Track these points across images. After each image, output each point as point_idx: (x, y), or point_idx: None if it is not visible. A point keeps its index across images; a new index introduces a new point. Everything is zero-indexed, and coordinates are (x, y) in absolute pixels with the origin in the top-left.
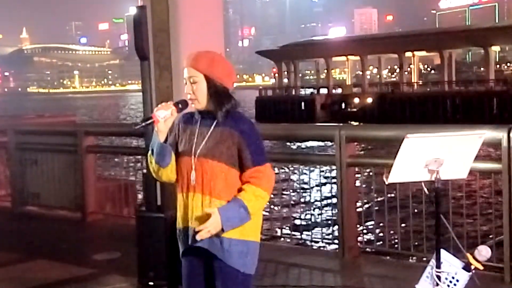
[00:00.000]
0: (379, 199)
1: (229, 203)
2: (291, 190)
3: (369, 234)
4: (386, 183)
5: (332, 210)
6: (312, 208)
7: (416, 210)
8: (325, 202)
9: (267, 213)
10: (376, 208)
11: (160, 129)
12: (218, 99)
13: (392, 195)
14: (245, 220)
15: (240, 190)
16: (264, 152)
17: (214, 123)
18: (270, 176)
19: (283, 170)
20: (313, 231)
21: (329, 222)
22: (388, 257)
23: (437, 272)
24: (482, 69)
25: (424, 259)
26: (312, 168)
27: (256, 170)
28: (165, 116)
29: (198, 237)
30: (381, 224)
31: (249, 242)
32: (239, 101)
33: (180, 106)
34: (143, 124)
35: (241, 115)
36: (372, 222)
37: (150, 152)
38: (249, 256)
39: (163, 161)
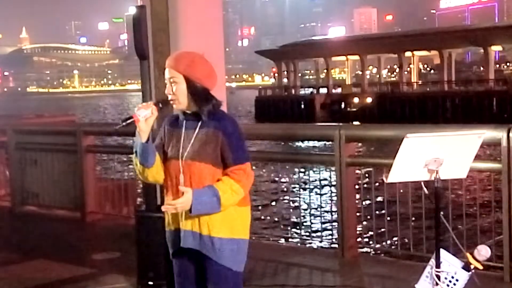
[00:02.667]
0: (379, 198)
1: (205, 189)
2: (290, 190)
3: (369, 233)
4: (386, 182)
5: (331, 209)
6: (311, 208)
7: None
8: (324, 201)
9: (267, 213)
10: (376, 207)
11: (142, 129)
12: (198, 100)
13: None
14: (215, 210)
15: (218, 180)
16: (246, 151)
17: (199, 125)
18: (249, 175)
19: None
20: (312, 230)
21: (329, 221)
22: (387, 257)
23: (436, 271)
24: (481, 69)
25: (424, 259)
26: (311, 168)
27: (237, 167)
28: (145, 116)
29: (163, 208)
30: (380, 224)
31: (239, 240)
32: (220, 101)
33: (160, 105)
34: (124, 123)
35: (224, 114)
36: (372, 222)
37: (134, 153)
38: (239, 254)
39: (147, 161)
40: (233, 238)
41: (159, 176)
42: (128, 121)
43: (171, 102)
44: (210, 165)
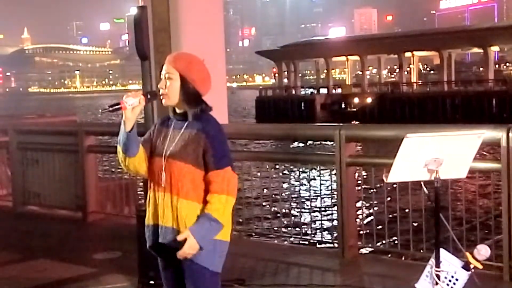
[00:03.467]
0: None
1: (199, 221)
2: (291, 190)
3: (369, 233)
4: (386, 182)
5: (332, 209)
6: (312, 208)
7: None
8: (325, 201)
9: (267, 213)
10: (376, 207)
11: (127, 117)
12: (189, 101)
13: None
14: (220, 230)
15: (206, 198)
16: (227, 156)
17: (185, 125)
18: (230, 179)
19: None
20: (313, 230)
21: (329, 221)
22: (387, 256)
23: (436, 271)
24: (481, 69)
25: (424, 258)
26: (312, 168)
27: (216, 173)
28: (132, 104)
29: (178, 256)
30: (380, 224)
31: (217, 241)
32: (210, 107)
33: (149, 96)
34: (110, 109)
35: (210, 118)
36: (372, 221)
37: (118, 141)
38: (216, 254)
39: (129, 150)
40: (211, 239)
41: (141, 167)
42: (115, 107)
43: (161, 96)
44: (190, 165)
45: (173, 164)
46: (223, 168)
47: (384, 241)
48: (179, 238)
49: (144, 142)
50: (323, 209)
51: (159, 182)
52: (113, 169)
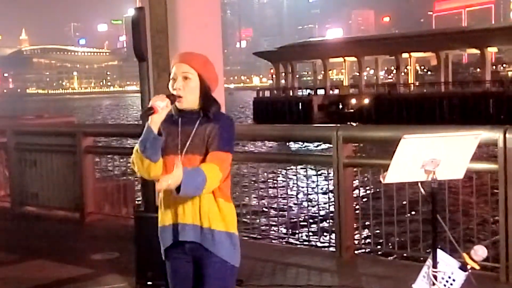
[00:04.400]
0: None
1: (194, 170)
2: (288, 190)
3: (366, 233)
4: (383, 183)
5: (329, 210)
6: (309, 208)
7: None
8: (322, 202)
9: (264, 213)
10: (373, 208)
11: (155, 121)
12: (208, 100)
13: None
14: (197, 193)
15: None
16: (232, 145)
17: (198, 122)
18: (228, 162)
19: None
20: (310, 231)
21: (326, 222)
22: (385, 257)
23: (433, 271)
24: (478, 70)
25: (421, 259)
26: (309, 168)
27: (217, 153)
28: (162, 107)
29: (157, 186)
30: (377, 224)
31: (234, 234)
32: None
33: (171, 99)
34: (146, 115)
35: (223, 114)
36: (369, 222)
37: (138, 147)
38: (236, 248)
39: (156, 155)
40: (229, 232)
41: (160, 170)
42: (150, 112)
43: (179, 98)
44: None
45: (193, 159)
46: (226, 151)
47: (382, 241)
48: (176, 164)
49: None
50: (320, 209)
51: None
52: (111, 170)
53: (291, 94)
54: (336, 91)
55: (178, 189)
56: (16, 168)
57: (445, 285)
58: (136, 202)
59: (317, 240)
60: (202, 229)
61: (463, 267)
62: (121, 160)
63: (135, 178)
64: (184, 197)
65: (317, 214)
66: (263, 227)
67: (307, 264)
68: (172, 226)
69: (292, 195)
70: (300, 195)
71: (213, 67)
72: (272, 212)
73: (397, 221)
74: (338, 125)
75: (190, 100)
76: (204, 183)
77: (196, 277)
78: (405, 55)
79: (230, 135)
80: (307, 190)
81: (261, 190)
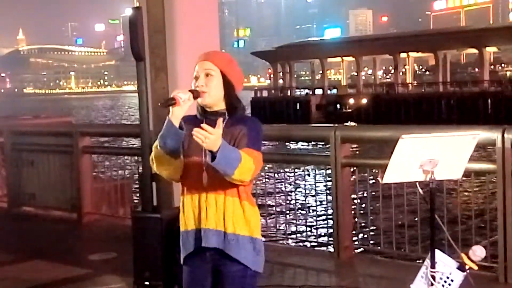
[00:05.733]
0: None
1: (231, 147)
2: (286, 191)
3: (364, 234)
4: (381, 183)
5: (327, 210)
6: (307, 209)
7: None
8: (320, 202)
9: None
10: (371, 208)
11: (177, 114)
12: (232, 99)
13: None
14: (228, 171)
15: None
16: (260, 144)
17: (224, 124)
18: (259, 161)
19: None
20: (308, 231)
21: (324, 222)
22: (383, 257)
23: (431, 272)
24: (476, 70)
25: (419, 259)
26: (307, 168)
27: (248, 150)
28: (185, 99)
29: (194, 134)
30: (375, 224)
31: (258, 240)
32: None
33: (194, 93)
34: (167, 104)
35: (249, 116)
36: (367, 222)
37: (158, 143)
38: (260, 254)
39: (177, 151)
40: (253, 237)
41: (181, 169)
42: (171, 102)
43: (201, 93)
44: None
45: None
46: (255, 149)
47: (380, 242)
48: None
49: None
50: (318, 210)
51: (200, 183)
52: (108, 170)
53: (289, 94)
54: (334, 91)
55: (212, 158)
56: (13, 168)
57: (443, 286)
58: (134, 202)
59: (315, 240)
60: (226, 235)
61: (461, 267)
62: (119, 160)
63: (132, 177)
64: (209, 202)
65: (315, 214)
66: (261, 227)
67: (305, 265)
68: (194, 231)
69: (290, 195)
70: (298, 195)
71: (238, 68)
72: (270, 212)
73: (395, 221)
74: (336, 125)
75: (214, 96)
76: (238, 162)
77: (212, 284)
78: (403, 55)
79: (258, 135)
80: (305, 190)
81: (259, 190)
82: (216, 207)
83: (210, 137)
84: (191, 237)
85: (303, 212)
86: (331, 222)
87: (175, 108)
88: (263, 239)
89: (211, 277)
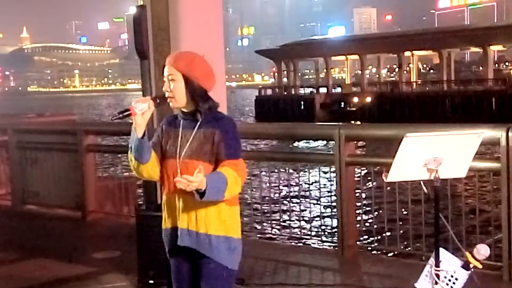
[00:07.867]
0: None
1: (214, 174)
2: (290, 189)
3: (369, 232)
4: (385, 181)
5: (331, 208)
6: (311, 207)
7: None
8: (324, 200)
9: (266, 212)
10: (376, 207)
11: (138, 123)
12: (196, 99)
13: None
14: (219, 199)
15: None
16: (239, 149)
17: (197, 125)
18: (243, 170)
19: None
20: (312, 229)
21: (329, 220)
22: (387, 256)
23: (436, 270)
24: (481, 68)
25: (424, 257)
26: (311, 167)
27: (230, 162)
28: (142, 109)
29: (176, 180)
30: (379, 223)
31: (234, 238)
32: (218, 103)
33: (158, 101)
34: (120, 115)
35: (223, 115)
36: (372, 221)
37: (129, 149)
38: (234, 252)
39: (142, 157)
40: (228, 236)
41: (154, 172)
42: (125, 113)
43: (168, 99)
44: (207, 163)
45: (190, 164)
46: (236, 159)
47: (384, 240)
48: (194, 175)
49: (154, 146)
50: (322, 208)
51: (175, 183)
52: (112, 168)
53: (293, 92)
54: (339, 90)
55: (200, 195)
56: (17, 167)
57: (447, 284)
58: (138, 200)
59: (319, 238)
60: (198, 235)
61: (466, 266)
62: (124, 158)
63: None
64: (183, 203)
65: (319, 213)
66: (265, 225)
67: (309, 263)
68: (171, 229)
69: (294, 193)
70: (302, 194)
71: (203, 65)
72: (274, 210)
73: (399, 220)
74: (340, 123)
75: (180, 99)
76: (225, 186)
77: (195, 279)
78: (407, 53)
79: (235, 140)
80: (309, 188)
81: (263, 188)
82: (188, 208)
83: (192, 184)
84: (170, 235)
85: (308, 210)
86: (335, 220)
87: (136, 118)
88: (240, 237)
89: (193, 271)
